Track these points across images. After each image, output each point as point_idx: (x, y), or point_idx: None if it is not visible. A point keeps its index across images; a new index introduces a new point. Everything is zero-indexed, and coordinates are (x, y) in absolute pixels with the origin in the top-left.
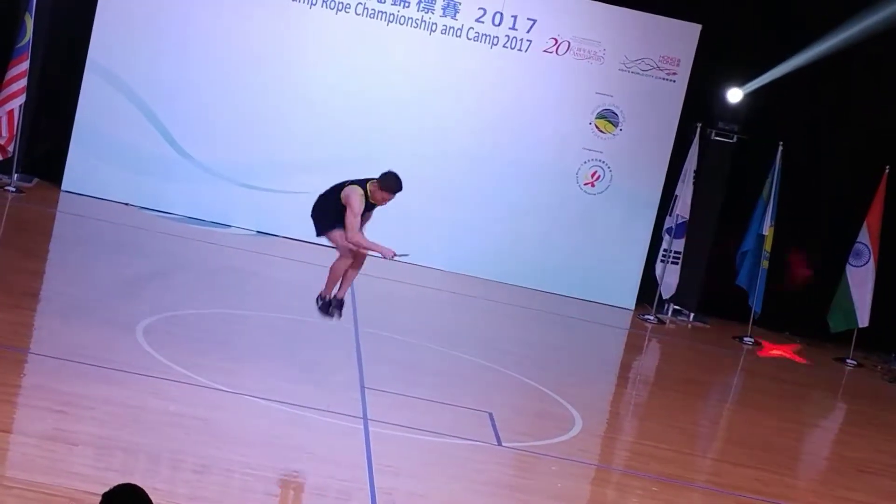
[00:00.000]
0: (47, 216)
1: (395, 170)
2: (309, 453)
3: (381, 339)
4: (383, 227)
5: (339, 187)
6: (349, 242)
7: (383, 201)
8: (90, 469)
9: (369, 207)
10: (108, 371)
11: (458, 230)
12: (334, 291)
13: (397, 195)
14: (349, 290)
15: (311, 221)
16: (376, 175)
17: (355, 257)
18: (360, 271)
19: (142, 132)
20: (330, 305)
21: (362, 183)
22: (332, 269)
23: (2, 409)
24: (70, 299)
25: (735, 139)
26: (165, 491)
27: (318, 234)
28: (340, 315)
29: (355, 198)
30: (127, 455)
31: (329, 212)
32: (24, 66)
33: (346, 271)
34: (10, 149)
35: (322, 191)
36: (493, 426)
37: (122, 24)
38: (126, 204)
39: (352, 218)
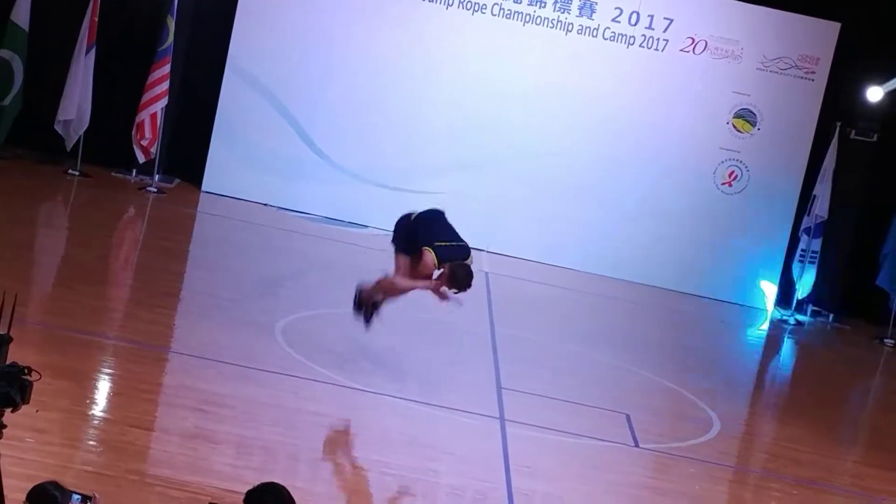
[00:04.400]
0: (188, 216)
1: (532, 173)
2: (446, 453)
3: (516, 339)
4: (520, 226)
5: (428, 234)
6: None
7: (444, 283)
8: (230, 468)
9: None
10: (248, 370)
11: (593, 230)
12: (377, 298)
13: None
14: (486, 290)
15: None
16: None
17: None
18: (496, 272)
19: (281, 133)
20: (363, 306)
21: (453, 253)
22: (380, 281)
23: (144, 407)
24: (210, 299)
25: (875, 138)
26: (304, 489)
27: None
28: (373, 317)
29: (429, 259)
30: (266, 454)
31: (410, 237)
32: (166, 69)
33: (394, 287)
34: (153, 150)
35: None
36: (631, 427)
37: (262, 26)
38: (265, 204)
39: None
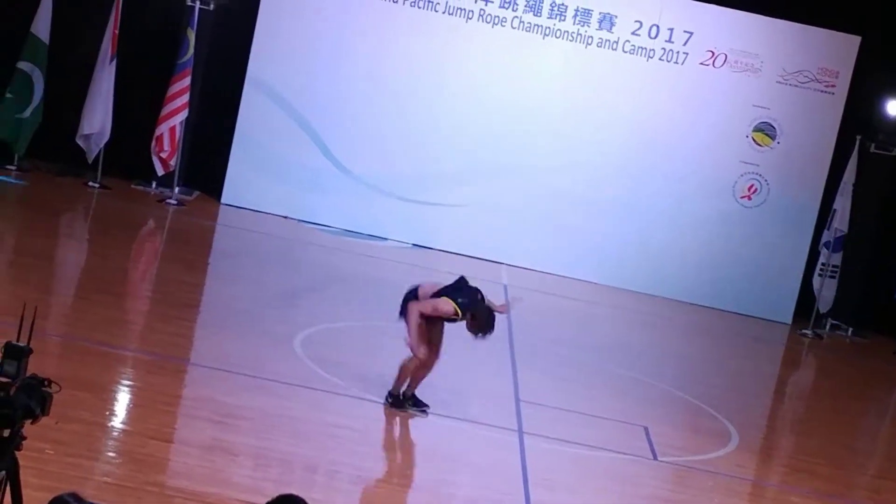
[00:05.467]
0: (207, 229)
1: (551, 185)
2: (464, 465)
3: (535, 351)
4: (538, 239)
5: (440, 292)
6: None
7: (469, 329)
8: (248, 479)
9: (451, 320)
10: (267, 382)
11: (612, 243)
12: (403, 388)
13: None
14: (504, 303)
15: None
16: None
17: (427, 360)
18: (514, 285)
19: (300, 146)
20: (402, 402)
21: (469, 303)
22: (401, 367)
23: (163, 419)
24: (229, 311)
25: (895, 152)
26: (322, 501)
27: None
28: (422, 410)
29: (446, 306)
30: (284, 465)
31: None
32: (186, 81)
33: (417, 371)
34: (172, 163)
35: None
36: (649, 440)
37: (281, 39)
38: (284, 217)
39: (428, 308)
